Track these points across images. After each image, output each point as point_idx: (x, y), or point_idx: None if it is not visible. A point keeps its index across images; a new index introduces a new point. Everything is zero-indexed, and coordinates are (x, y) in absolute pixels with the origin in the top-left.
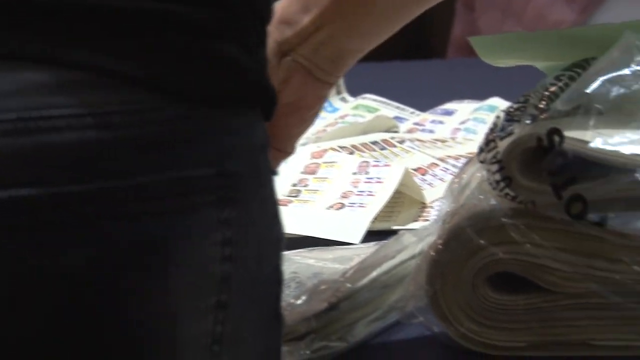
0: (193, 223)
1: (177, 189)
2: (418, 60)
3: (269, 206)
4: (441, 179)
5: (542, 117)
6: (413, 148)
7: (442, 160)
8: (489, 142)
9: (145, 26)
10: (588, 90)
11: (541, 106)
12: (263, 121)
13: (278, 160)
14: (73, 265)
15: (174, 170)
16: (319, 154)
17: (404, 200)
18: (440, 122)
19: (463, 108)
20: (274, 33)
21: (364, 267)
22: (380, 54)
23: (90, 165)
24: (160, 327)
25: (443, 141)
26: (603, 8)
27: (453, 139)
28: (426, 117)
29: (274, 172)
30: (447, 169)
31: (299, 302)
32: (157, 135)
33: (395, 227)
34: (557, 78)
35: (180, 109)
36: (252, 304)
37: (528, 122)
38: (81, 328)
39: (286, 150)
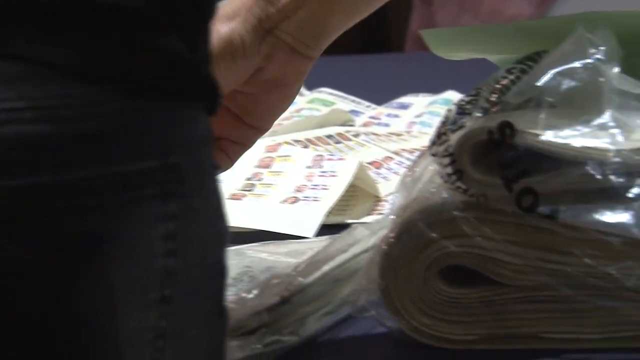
0: (135, 217)
1: (118, 183)
2: (375, 54)
3: (213, 200)
4: (396, 173)
5: (493, 110)
6: (368, 142)
7: (397, 153)
8: (440, 135)
9: (84, 17)
10: (539, 83)
11: (492, 99)
12: (206, 115)
13: (254, 138)
14: (7, 260)
15: (115, 164)
16: (273, 148)
17: (359, 194)
18: (396, 116)
19: (419, 101)
20: (254, 10)
21: (316, 261)
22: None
23: (29, 160)
24: (102, 322)
25: (398, 135)
26: (560, 1)
27: (408, 132)
28: (382, 110)
29: (218, 166)
30: (402, 163)
31: (251, 296)
32: (98, 129)
33: (349, 221)
34: (509, 71)
35: (120, 101)
36: (197, 298)
37: (479, 115)
38: (16, 324)
39: (264, 128)
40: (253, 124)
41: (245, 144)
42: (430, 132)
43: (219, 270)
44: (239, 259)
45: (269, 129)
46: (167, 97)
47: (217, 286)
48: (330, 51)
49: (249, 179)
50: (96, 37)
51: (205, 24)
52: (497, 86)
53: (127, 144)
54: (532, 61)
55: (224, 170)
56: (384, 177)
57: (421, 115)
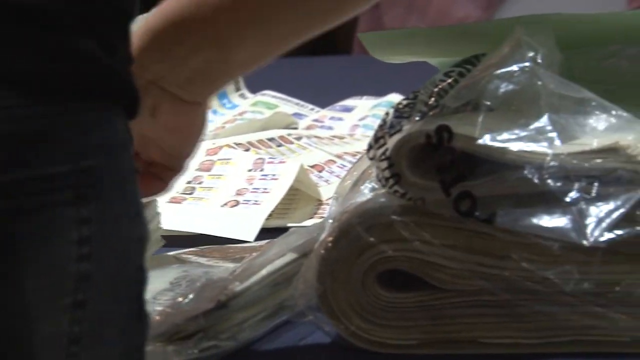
0: (47, 221)
1: (31, 187)
2: (322, 56)
3: (132, 204)
4: (338, 176)
5: (431, 113)
6: (310, 145)
7: (339, 157)
8: (378, 139)
9: None
10: (477, 87)
11: (430, 103)
12: (125, 118)
13: (169, 178)
14: None
15: (27, 168)
16: (213, 151)
17: (300, 197)
18: (340, 119)
19: (362, 104)
20: (142, 57)
21: (253, 265)
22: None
23: None
24: (15, 328)
25: (341, 138)
26: (507, 3)
27: (351, 135)
28: (325, 113)
29: (137, 171)
30: (344, 166)
31: (187, 300)
32: (10, 132)
33: (289, 225)
34: (447, 74)
35: (34, 104)
36: (113, 303)
37: (417, 118)
38: None
39: (175, 169)
40: (165, 164)
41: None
42: None
43: (138, 274)
44: (178, 264)
45: (180, 170)
46: (82, 100)
47: (136, 291)
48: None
49: (189, 182)
50: (9, 41)
51: (124, 27)
52: (435, 89)
53: (41, 147)
54: (470, 64)
55: (159, 194)
56: (326, 181)
57: (364, 119)
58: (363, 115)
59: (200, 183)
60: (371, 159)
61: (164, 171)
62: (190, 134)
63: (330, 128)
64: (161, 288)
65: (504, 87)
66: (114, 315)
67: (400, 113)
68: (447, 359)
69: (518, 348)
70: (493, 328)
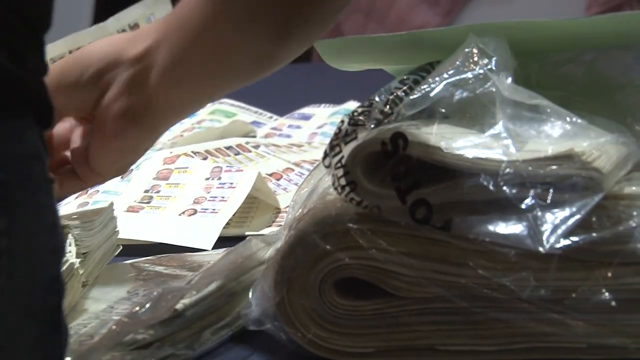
0: None
1: None
2: None
3: (46, 215)
4: (296, 184)
5: (386, 121)
6: (268, 153)
7: (297, 165)
8: (333, 147)
9: None
10: (432, 94)
11: (385, 110)
12: (38, 129)
13: (91, 183)
14: None
15: None
16: (171, 160)
17: (258, 205)
18: (298, 127)
19: (320, 112)
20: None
21: (210, 274)
22: None
23: None
24: None
25: (299, 146)
26: (466, 10)
27: (309, 143)
28: (284, 122)
29: (51, 181)
30: (302, 174)
31: (143, 310)
32: None
33: (248, 233)
34: (402, 82)
35: None
36: (26, 315)
37: (372, 126)
38: None
39: (101, 177)
40: (91, 167)
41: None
42: None
43: (54, 285)
44: (136, 272)
45: (105, 180)
46: None
47: (51, 302)
48: None
49: (146, 191)
50: None
51: (36, 38)
52: (390, 97)
53: None
54: (425, 72)
55: (76, 192)
56: (284, 189)
57: (323, 126)
58: (321, 123)
59: (158, 192)
60: (327, 166)
61: (87, 173)
62: (108, 147)
63: (288, 136)
64: (119, 297)
65: (459, 95)
66: (26, 327)
67: (355, 121)
68: None
69: (475, 355)
70: (450, 335)
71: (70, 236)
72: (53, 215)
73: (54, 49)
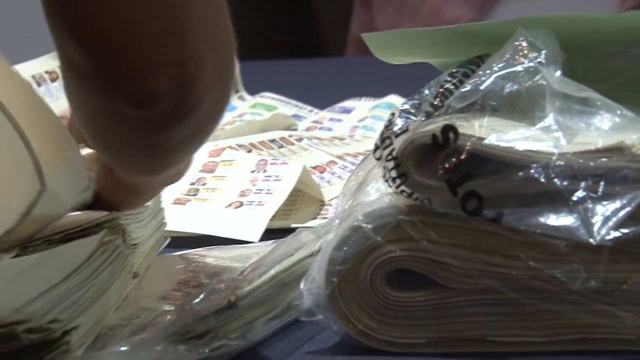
0: None
1: None
2: (316, 58)
3: None
4: (339, 177)
5: (436, 114)
6: (311, 146)
7: (340, 158)
8: (384, 139)
9: None
10: (482, 87)
11: (436, 103)
12: None
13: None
14: None
15: None
16: (216, 153)
17: (303, 198)
18: (339, 120)
19: (361, 106)
20: None
21: (262, 265)
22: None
23: None
24: None
25: (341, 139)
26: (500, 5)
27: (351, 136)
28: (324, 115)
29: None
30: (345, 167)
31: (197, 300)
32: None
33: (293, 225)
34: (452, 75)
35: None
36: None
37: (423, 119)
38: None
39: None
40: None
41: None
42: (373, 136)
43: None
44: (185, 264)
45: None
46: None
47: None
48: (270, 56)
49: (193, 184)
50: None
51: None
52: (440, 90)
53: None
54: (474, 65)
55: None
56: (328, 182)
57: (364, 120)
58: (362, 116)
59: (204, 184)
60: (377, 159)
61: None
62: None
63: (329, 129)
64: (169, 288)
65: (509, 88)
66: None
67: (406, 113)
68: (454, 357)
69: (525, 346)
70: (500, 326)
71: (121, 228)
72: None
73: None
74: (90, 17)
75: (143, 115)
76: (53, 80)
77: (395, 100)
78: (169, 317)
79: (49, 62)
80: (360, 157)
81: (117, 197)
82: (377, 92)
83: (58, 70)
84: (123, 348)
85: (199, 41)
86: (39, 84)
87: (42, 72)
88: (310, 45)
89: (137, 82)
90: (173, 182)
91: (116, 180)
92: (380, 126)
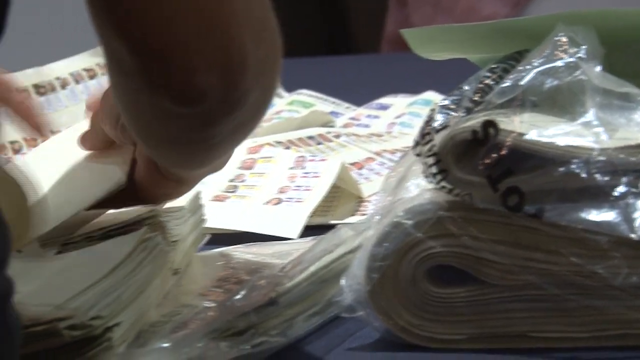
0: None
1: None
2: (352, 54)
3: None
4: (378, 173)
5: (476, 109)
6: (349, 142)
7: (378, 154)
8: (424, 135)
9: None
10: (522, 83)
11: (476, 99)
12: None
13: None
14: None
15: None
16: (255, 149)
17: (341, 194)
18: (376, 117)
19: (398, 102)
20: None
21: (302, 262)
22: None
23: None
24: None
25: (379, 135)
26: (536, 1)
27: (389, 133)
28: (362, 111)
29: None
30: (384, 163)
31: (238, 297)
32: None
33: (332, 222)
34: (491, 70)
35: None
36: None
37: (463, 114)
38: None
39: None
40: None
41: None
42: (411, 132)
43: None
44: (225, 261)
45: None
46: None
47: None
48: (305, 53)
49: (231, 181)
50: None
51: None
52: (480, 86)
53: None
54: (514, 60)
55: None
56: (366, 178)
57: (401, 116)
58: (400, 113)
59: (242, 181)
60: (417, 155)
61: None
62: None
63: (367, 126)
64: (210, 285)
65: (549, 83)
66: None
67: (446, 109)
68: (495, 353)
69: (567, 342)
70: (542, 322)
71: (161, 225)
72: None
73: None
74: (136, 14)
75: (189, 112)
76: (91, 77)
77: (433, 96)
78: (210, 313)
79: (88, 60)
80: (398, 154)
81: (161, 189)
82: (414, 88)
83: (96, 68)
84: (164, 345)
85: (244, 36)
86: (77, 82)
87: (79, 69)
88: (341, 42)
89: (184, 78)
90: (215, 172)
91: (160, 173)
92: (417, 123)
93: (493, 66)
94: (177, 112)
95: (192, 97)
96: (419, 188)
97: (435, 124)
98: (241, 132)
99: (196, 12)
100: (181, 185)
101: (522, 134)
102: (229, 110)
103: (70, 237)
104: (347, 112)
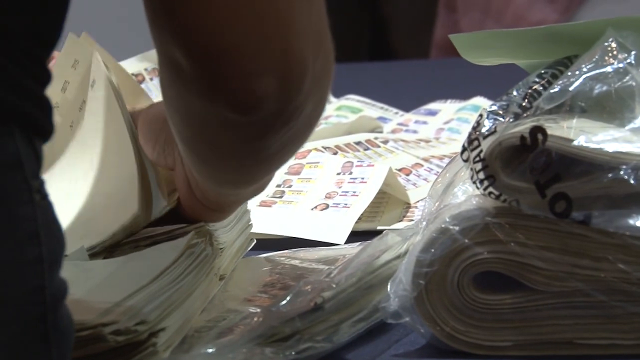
0: None
1: None
2: (401, 60)
3: (22, 225)
4: (425, 179)
5: (525, 115)
6: (397, 148)
7: (426, 160)
8: (472, 141)
9: None
10: (571, 88)
11: (524, 104)
12: (23, 138)
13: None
14: None
15: None
16: (302, 155)
17: (388, 200)
18: (424, 123)
19: (446, 108)
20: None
21: (348, 267)
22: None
23: None
24: None
25: (427, 141)
26: (585, 7)
27: (437, 139)
28: (410, 117)
29: (38, 190)
30: (431, 169)
31: (284, 302)
32: None
33: (379, 227)
34: (540, 76)
35: None
36: None
37: (511, 120)
38: None
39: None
40: None
41: None
42: (459, 138)
43: (35, 297)
44: (271, 266)
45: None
46: None
47: (33, 313)
48: (354, 58)
49: (279, 186)
50: None
51: (15, 46)
52: (529, 91)
53: None
54: (563, 66)
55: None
56: (414, 184)
57: (449, 122)
58: (448, 118)
59: (289, 187)
60: (465, 160)
61: None
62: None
63: (415, 132)
64: (255, 290)
65: (598, 89)
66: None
67: (494, 115)
68: None
69: (614, 349)
70: (588, 329)
71: (208, 231)
72: (32, 225)
73: (129, 66)
74: (195, 18)
75: (246, 120)
76: (139, 82)
77: (481, 102)
78: (255, 319)
79: (136, 65)
80: (446, 160)
81: (197, 215)
82: (462, 94)
83: (144, 73)
84: (210, 350)
85: (303, 43)
86: None
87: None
88: (388, 48)
89: (242, 85)
90: (253, 197)
91: (197, 199)
92: (466, 128)
93: (542, 71)
94: (233, 121)
95: (250, 104)
96: (466, 194)
97: (483, 130)
98: (293, 144)
99: (256, 16)
100: (218, 213)
101: (570, 140)
102: (285, 121)
103: (117, 243)
104: (395, 117)
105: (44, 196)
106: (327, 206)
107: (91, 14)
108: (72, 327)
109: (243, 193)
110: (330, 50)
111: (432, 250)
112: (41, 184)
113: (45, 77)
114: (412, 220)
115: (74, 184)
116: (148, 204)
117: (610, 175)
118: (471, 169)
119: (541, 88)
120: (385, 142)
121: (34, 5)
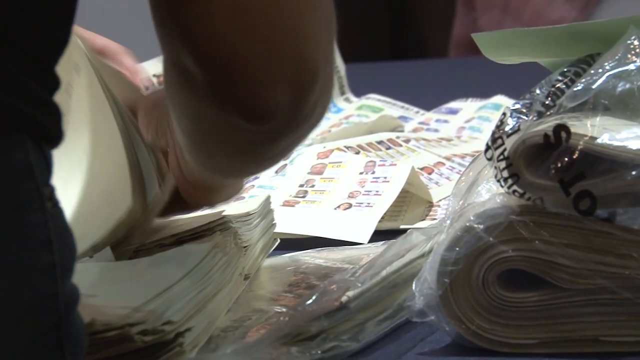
0: None
1: None
2: (419, 59)
3: (34, 233)
4: (447, 178)
5: (548, 113)
6: (419, 147)
7: (448, 159)
8: (495, 140)
9: None
10: (594, 86)
11: (547, 102)
12: (33, 146)
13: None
14: None
15: None
16: (324, 154)
17: (411, 199)
18: (445, 121)
19: (467, 107)
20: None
21: (373, 267)
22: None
23: None
24: None
25: (448, 140)
26: (604, 5)
27: (458, 137)
28: (431, 116)
29: (49, 198)
30: (453, 168)
31: (309, 302)
32: None
33: (402, 226)
34: (563, 74)
35: None
36: (5, 334)
37: (535, 118)
38: None
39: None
40: None
41: None
42: (480, 136)
43: (46, 304)
44: (295, 266)
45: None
46: None
47: (44, 320)
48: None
49: (301, 186)
50: None
51: (23, 55)
52: (552, 89)
53: None
54: (585, 64)
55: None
56: (436, 183)
57: (470, 120)
58: (469, 117)
59: (312, 186)
60: (489, 159)
61: None
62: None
63: (436, 130)
64: (280, 290)
65: (621, 87)
66: (9, 347)
67: (517, 113)
68: (567, 357)
69: (638, 346)
70: (614, 326)
71: (232, 231)
72: (45, 232)
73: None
74: (207, 26)
75: (257, 128)
76: (161, 84)
77: (502, 100)
78: (281, 318)
79: (158, 66)
80: (468, 158)
81: (187, 196)
82: (483, 92)
83: None
84: (236, 349)
85: (315, 51)
86: (146, 88)
87: (149, 75)
88: (407, 47)
89: (254, 94)
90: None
91: (186, 179)
92: (487, 127)
93: (565, 70)
94: (243, 127)
95: (262, 113)
96: (490, 192)
97: (507, 128)
98: (295, 145)
99: (268, 24)
100: (207, 193)
101: (594, 138)
102: (295, 127)
103: (142, 243)
104: (416, 116)
105: (55, 203)
106: (350, 205)
107: (103, 17)
108: (85, 333)
109: (232, 181)
110: (333, 56)
111: (457, 248)
112: (52, 191)
113: (53, 83)
114: (434, 219)
115: (64, 184)
116: (142, 192)
117: (634, 172)
118: (495, 168)
119: (564, 86)
120: (407, 141)
121: (40, 12)
